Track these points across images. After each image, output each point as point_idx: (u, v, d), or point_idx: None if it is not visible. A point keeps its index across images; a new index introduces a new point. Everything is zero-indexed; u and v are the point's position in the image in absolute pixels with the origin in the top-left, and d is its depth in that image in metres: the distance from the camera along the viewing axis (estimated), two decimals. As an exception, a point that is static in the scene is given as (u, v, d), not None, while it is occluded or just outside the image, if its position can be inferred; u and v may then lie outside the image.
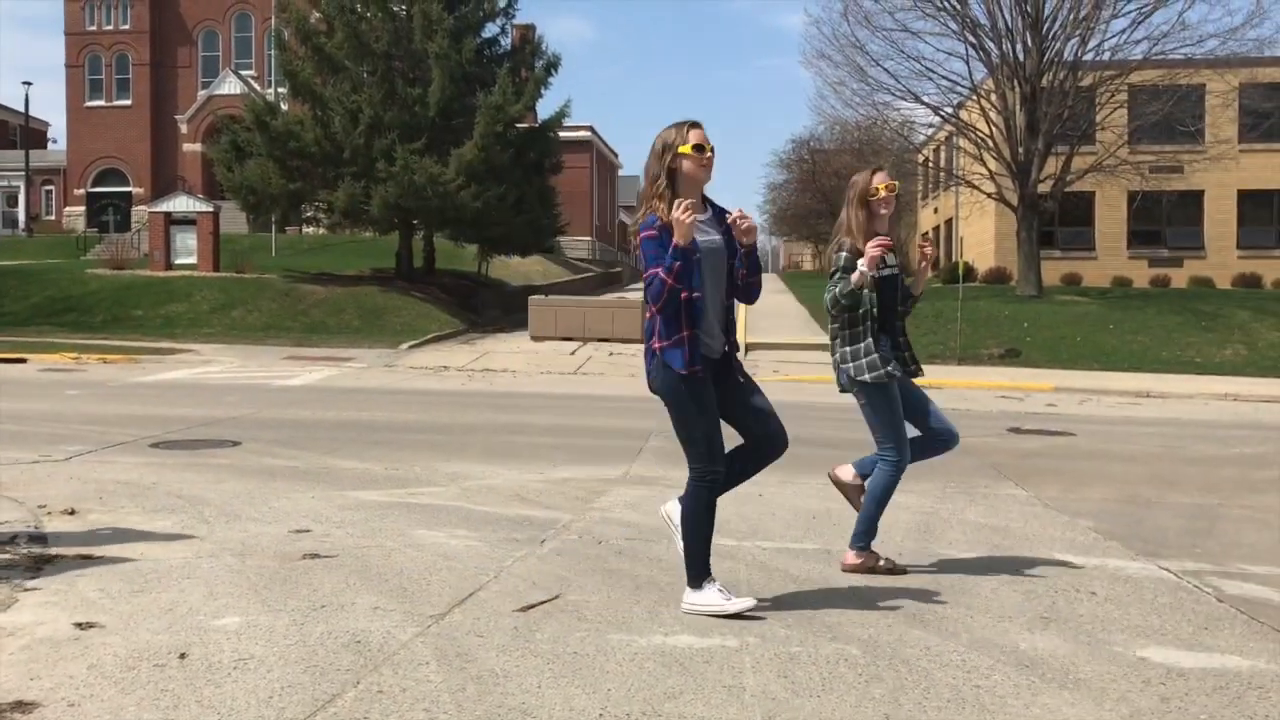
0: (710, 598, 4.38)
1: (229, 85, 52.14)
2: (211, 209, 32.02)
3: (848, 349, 5.21)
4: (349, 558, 5.27)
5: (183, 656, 3.74)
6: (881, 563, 5.28)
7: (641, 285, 4.51)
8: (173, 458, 8.50)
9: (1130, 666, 3.87)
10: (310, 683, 3.51)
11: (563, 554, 5.48)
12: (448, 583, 4.81)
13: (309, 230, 42.21)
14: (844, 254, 5.16)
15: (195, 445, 9.22)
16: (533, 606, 4.42)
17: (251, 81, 51.00)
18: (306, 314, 26.02)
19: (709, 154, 4.32)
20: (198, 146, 52.62)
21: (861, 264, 4.96)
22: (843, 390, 5.34)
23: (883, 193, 5.25)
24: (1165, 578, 5.34)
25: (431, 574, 4.97)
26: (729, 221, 4.32)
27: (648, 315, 4.38)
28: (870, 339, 5.13)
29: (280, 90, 35.83)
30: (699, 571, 4.43)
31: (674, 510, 4.58)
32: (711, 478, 4.41)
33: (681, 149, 4.27)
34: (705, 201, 4.44)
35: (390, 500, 6.89)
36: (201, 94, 54.27)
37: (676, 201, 4.14)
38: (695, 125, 4.34)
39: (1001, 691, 3.59)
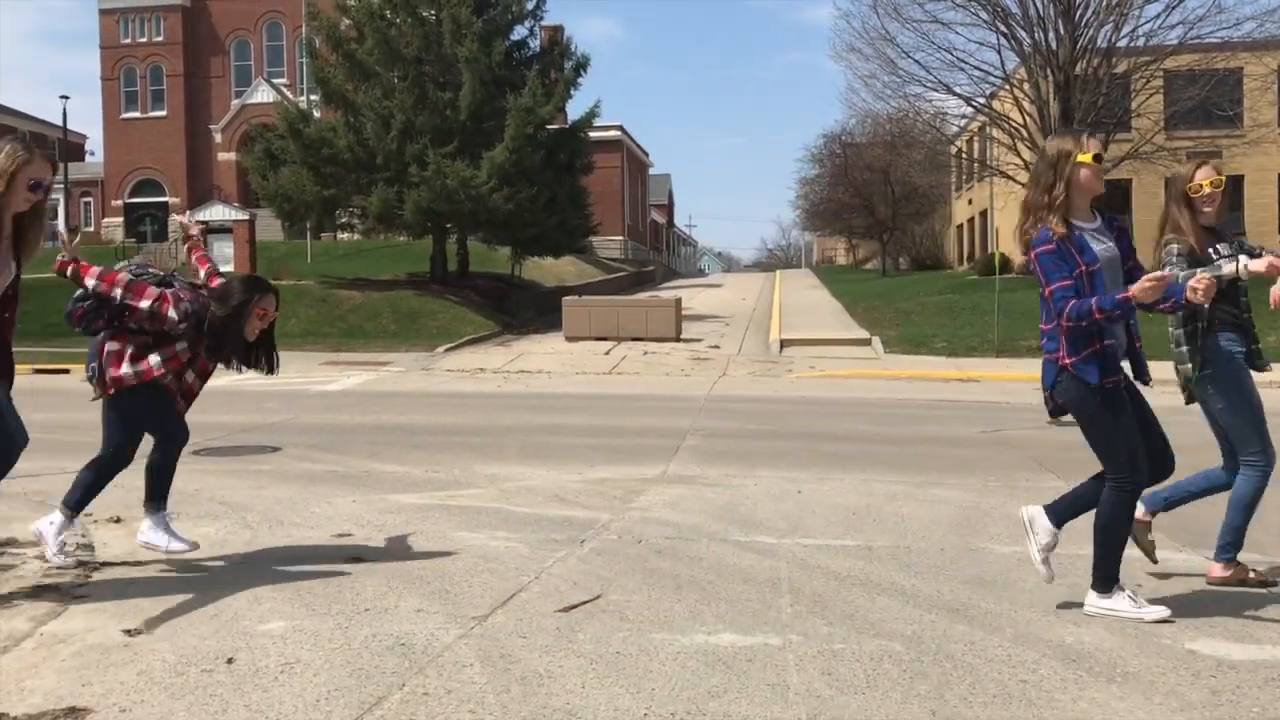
0: (1120, 604, 4.36)
1: (262, 94, 52.65)
2: (247, 217, 32.34)
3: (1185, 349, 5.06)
4: (391, 561, 5.30)
5: (230, 661, 3.78)
6: (1251, 575, 5.00)
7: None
8: (215, 464, 8.59)
9: (1179, 659, 3.82)
10: (356, 686, 3.54)
11: (603, 554, 5.49)
12: (489, 584, 4.83)
13: (344, 236, 42.54)
14: (1175, 255, 4.92)
15: (236, 451, 9.31)
16: (574, 607, 4.43)
17: (284, 89, 51.42)
18: (343, 319, 26.21)
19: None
20: (232, 155, 53.19)
21: (1192, 293, 4.29)
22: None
23: (1206, 189, 4.89)
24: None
25: (473, 576, 4.99)
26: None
27: (1045, 327, 4.37)
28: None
29: (312, 97, 36.12)
30: (1110, 576, 4.41)
31: (1036, 515, 4.56)
32: (1132, 488, 4.40)
33: (1081, 157, 4.23)
34: (1092, 209, 4.39)
35: (430, 503, 6.93)
36: (235, 103, 54.84)
37: (1195, 280, 4.08)
38: (1092, 134, 4.32)
39: (1048, 686, 3.56)
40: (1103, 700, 3.45)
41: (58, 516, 5.16)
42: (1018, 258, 35.87)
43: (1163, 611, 4.29)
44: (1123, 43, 28.38)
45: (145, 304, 4.86)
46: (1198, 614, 4.44)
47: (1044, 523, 4.54)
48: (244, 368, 5.23)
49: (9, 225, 4.39)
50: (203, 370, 5.22)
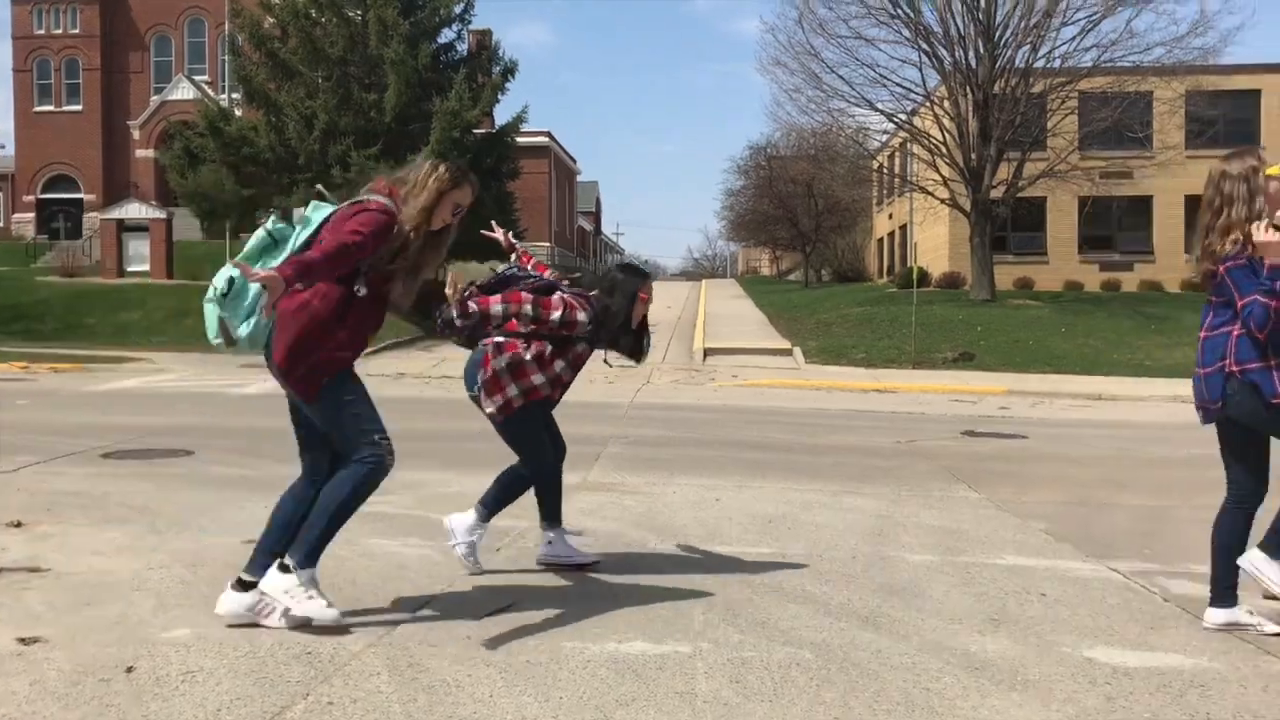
0: (1238, 615, 4.43)
1: (182, 90, 51.60)
2: (164, 216, 31.65)
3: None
4: (302, 568, 5.22)
5: (129, 670, 3.69)
6: None
7: None
8: (124, 468, 8.39)
9: (1077, 667, 3.92)
10: (259, 695, 3.48)
11: (518, 562, 5.47)
12: (400, 592, 4.79)
13: (264, 237, 41.84)
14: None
15: (148, 455, 9.11)
16: (487, 616, 4.41)
17: (205, 87, 50.48)
18: (261, 321, 25.77)
19: None
20: (150, 153, 52.02)
21: None
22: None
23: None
24: (1114, 579, 5.42)
25: (384, 584, 4.94)
26: None
27: (1204, 335, 4.41)
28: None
29: (234, 96, 35.53)
30: (1230, 586, 4.48)
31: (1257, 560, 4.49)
32: (1257, 503, 4.51)
33: (1270, 171, 4.24)
34: None
35: (344, 509, 6.83)
36: (154, 99, 53.66)
37: (1257, 225, 4.09)
38: (1262, 148, 4.36)
39: (951, 694, 3.63)
40: (1003, 708, 3.52)
41: (471, 515, 5.15)
42: (937, 270, 36.56)
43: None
44: (1040, 64, 29.10)
45: (556, 315, 4.74)
46: (1097, 622, 4.56)
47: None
48: (628, 356, 5.20)
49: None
50: (576, 361, 5.09)
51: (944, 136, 29.62)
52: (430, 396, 15.52)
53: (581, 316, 4.76)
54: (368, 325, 4.35)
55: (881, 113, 31.08)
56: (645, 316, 5.14)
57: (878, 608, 4.69)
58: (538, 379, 4.87)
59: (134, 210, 31.91)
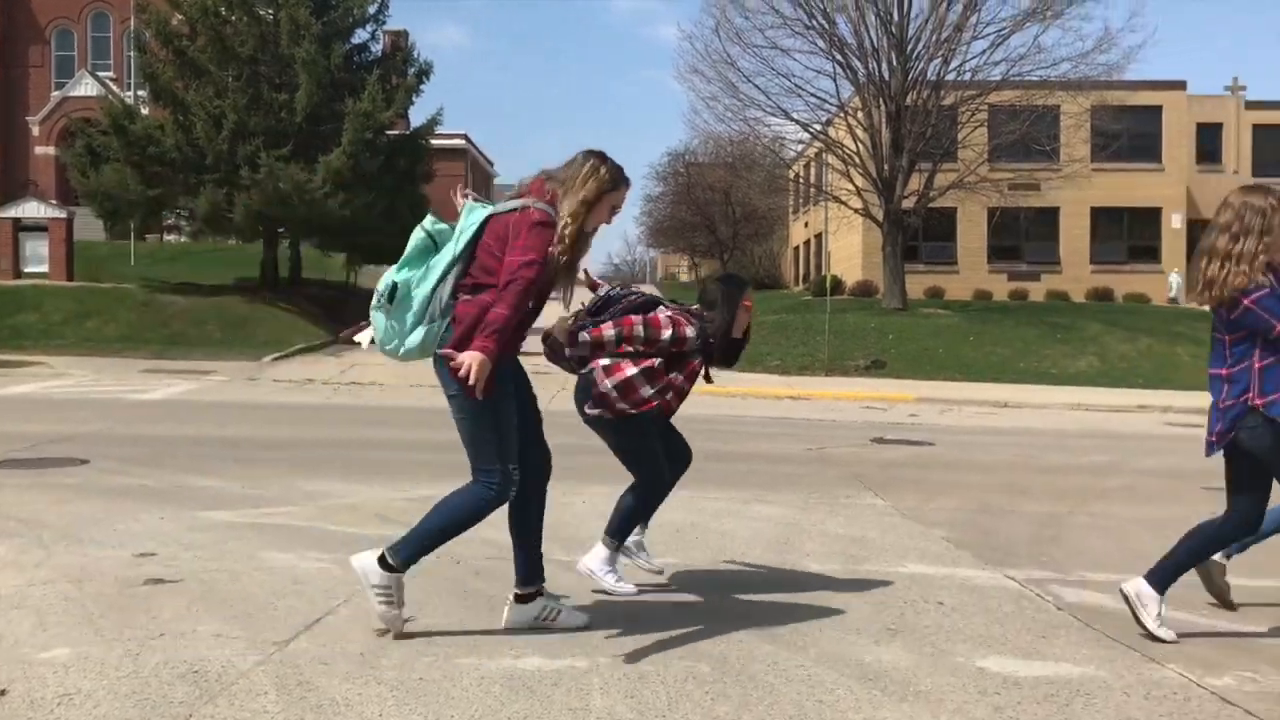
0: (1154, 608, 4.55)
1: (85, 87, 50.13)
2: (64, 215, 30.71)
3: None
4: (194, 582, 5.09)
5: (2, 694, 3.55)
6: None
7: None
8: (14, 478, 8.09)
9: (969, 677, 3.97)
10: (139, 717, 3.37)
11: (419, 575, 5.34)
12: (295, 608, 4.68)
13: (170, 238, 40.91)
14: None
15: (40, 464, 8.80)
16: (383, 633, 4.32)
17: (110, 84, 49.12)
18: (166, 325, 25.15)
19: None
20: (51, 150, 50.44)
21: None
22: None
23: None
24: (1010, 587, 5.52)
25: (279, 599, 4.83)
26: None
27: (1226, 372, 4.50)
28: None
29: (140, 93, 34.66)
30: None
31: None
32: (1248, 533, 4.66)
33: None
34: None
35: (243, 520, 6.68)
36: (55, 95, 52.01)
37: None
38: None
39: (843, 706, 3.65)
40: (894, 719, 3.55)
41: (602, 550, 4.98)
42: (850, 279, 37.01)
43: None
44: (951, 76, 29.65)
45: (666, 334, 4.69)
46: (991, 632, 4.63)
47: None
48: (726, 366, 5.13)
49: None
50: (690, 374, 4.99)
51: (857, 147, 30.03)
52: (338, 404, 15.28)
53: (690, 332, 4.77)
54: (527, 325, 4.32)
55: (797, 122, 31.43)
56: (749, 324, 5.15)
57: (778, 618, 4.70)
58: (647, 391, 4.81)
59: (32, 209, 30.87)
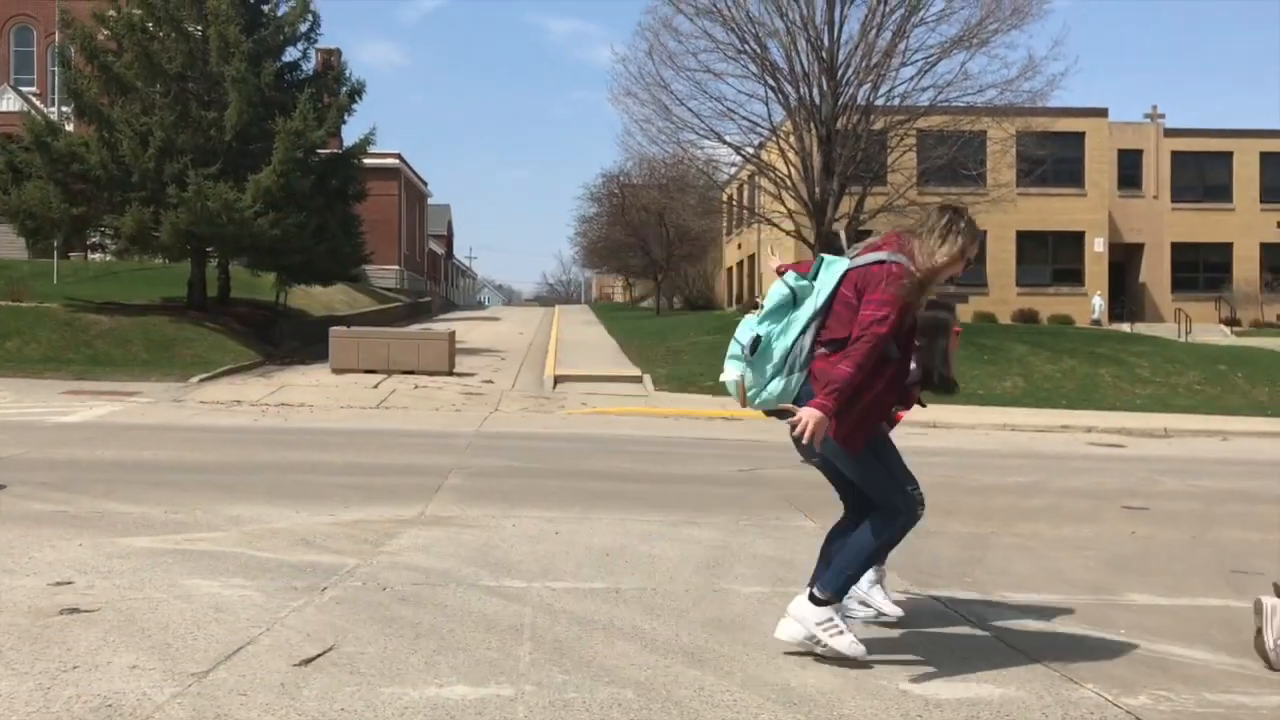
0: None
1: (7, 102, 49.06)
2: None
3: None
4: (111, 612, 4.97)
5: (-95, 731, 3.44)
6: None
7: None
8: (-77, 505, 7.85)
9: (892, 700, 4.01)
10: (49, 755, 3.28)
11: (343, 602, 5.31)
12: (215, 637, 4.59)
13: (95, 257, 40.04)
14: None
15: (-48, 490, 8.55)
16: (306, 662, 4.26)
17: (33, 98, 48.13)
18: (90, 345, 24.60)
19: None
20: (-29, 165, 49.22)
21: None
22: None
23: None
24: (934, 608, 5.59)
25: (199, 627, 4.73)
26: None
27: None
28: None
29: (64, 109, 33.96)
30: None
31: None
32: None
33: None
34: None
35: (165, 547, 6.55)
36: (-24, 109, 50.86)
37: None
38: None
39: (769, 730, 3.66)
40: (819, 742, 3.58)
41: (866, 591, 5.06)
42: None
43: None
44: (880, 101, 30.07)
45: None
46: (915, 654, 4.68)
47: None
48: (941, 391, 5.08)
49: None
50: (909, 400, 4.97)
51: (789, 170, 30.34)
52: (266, 426, 15.04)
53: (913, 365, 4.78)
54: (902, 376, 4.44)
55: (730, 145, 31.64)
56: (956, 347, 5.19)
57: (705, 643, 4.71)
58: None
59: (-49, 226, 30.10)
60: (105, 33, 28.32)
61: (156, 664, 4.18)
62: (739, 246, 48.59)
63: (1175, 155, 43.82)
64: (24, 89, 50.21)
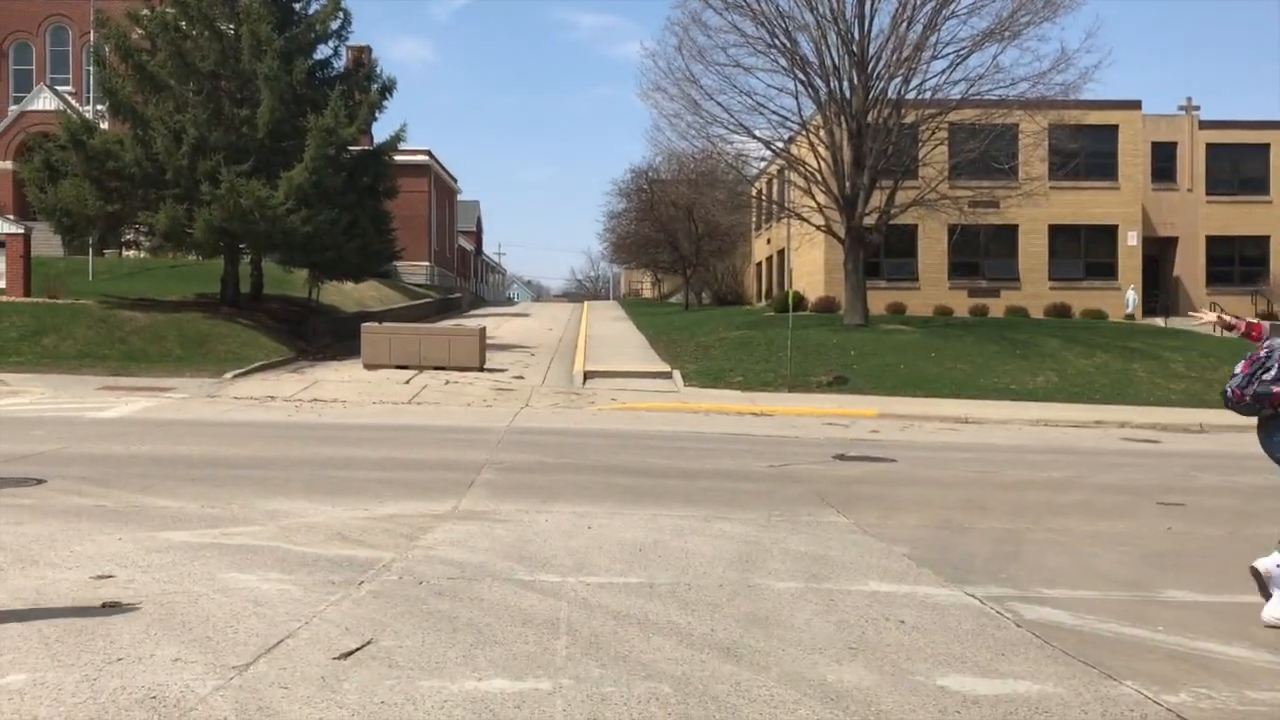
0: None
1: (43, 101, 49.59)
2: (22, 230, 30.32)
3: None
4: (153, 605, 5.03)
5: (-44, 722, 3.50)
6: None
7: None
8: (-34, 499, 7.97)
9: (929, 696, 4.00)
10: (97, 745, 3.33)
11: (380, 596, 5.35)
12: (256, 630, 4.64)
13: (129, 254, 40.46)
14: None
15: (-7, 485, 8.67)
16: (345, 655, 4.30)
17: (69, 98, 48.63)
18: (125, 341, 24.85)
19: None
20: (8, 165, 49.79)
21: None
22: None
23: None
24: (970, 604, 5.56)
25: (239, 621, 4.79)
26: None
27: None
28: None
29: (99, 108, 34.30)
30: None
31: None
32: None
33: None
34: None
35: (203, 541, 6.62)
36: (13, 109, 51.41)
37: None
38: None
39: (807, 726, 3.66)
40: (857, 738, 3.58)
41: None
42: (813, 295, 37.25)
43: None
44: (911, 95, 29.91)
45: None
46: (951, 649, 4.66)
47: None
48: None
49: None
50: None
51: (819, 164, 30.24)
52: (299, 421, 15.16)
53: None
54: None
55: (759, 140, 31.58)
56: None
57: (740, 638, 4.72)
58: None
59: (-11, 224, 30.49)
60: (139, 32, 28.58)
61: (198, 657, 4.23)
62: (768, 241, 48.45)
63: (1210, 147, 43.30)
64: (60, 88, 50.76)
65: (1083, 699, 4.02)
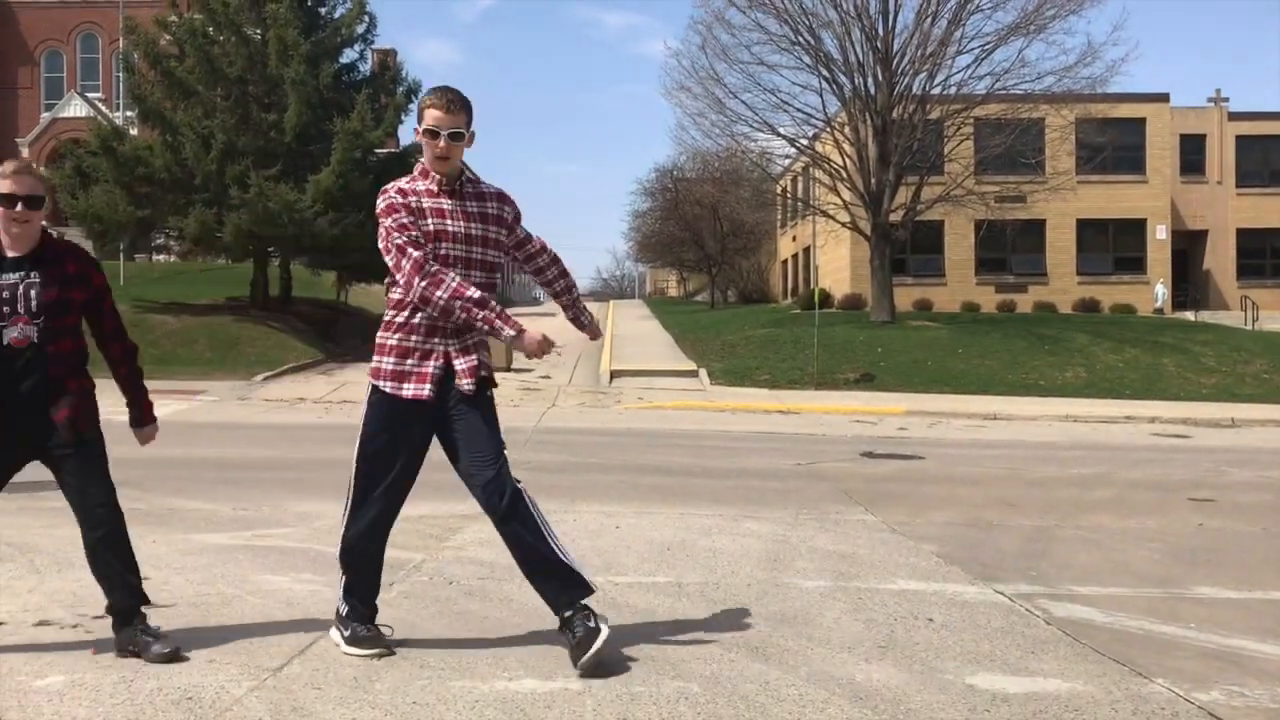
0: None
1: (74, 108, 50.19)
2: (55, 236, 30.70)
3: None
4: (187, 607, 5.10)
5: (-2, 722, 3.56)
6: None
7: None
8: (5, 500, 8.02)
9: (959, 694, 4.00)
10: (135, 745, 3.39)
11: (411, 597, 5.40)
12: (288, 631, 4.69)
13: (160, 258, 40.88)
14: None
15: (31, 487, 8.68)
16: (377, 655, 4.34)
17: (99, 104, 49.18)
18: (156, 345, 25.11)
19: None
20: (41, 171, 50.41)
21: None
22: None
23: None
24: (999, 602, 5.55)
25: (272, 622, 4.84)
26: None
27: None
28: None
29: (129, 114, 34.67)
30: None
31: None
32: None
33: None
34: None
35: (235, 543, 6.70)
36: (45, 116, 52.08)
37: None
38: None
39: (836, 724, 3.68)
40: (886, 736, 3.58)
41: None
42: (839, 292, 37.16)
43: None
44: (936, 90, 29.82)
45: None
46: (980, 648, 4.66)
47: None
48: None
49: None
50: None
51: (844, 161, 30.17)
52: (330, 423, 15.28)
53: None
54: None
55: (783, 137, 31.56)
56: None
57: (769, 637, 4.73)
58: None
59: (22, 231, 30.88)
60: (167, 38, 28.90)
61: (232, 658, 4.28)
62: (793, 239, 48.37)
63: (1240, 139, 42.90)
64: (90, 95, 51.33)
65: (1113, 697, 4.01)
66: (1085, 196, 37.21)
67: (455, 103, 4.36)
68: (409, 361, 4.35)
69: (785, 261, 52.23)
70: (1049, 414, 18.43)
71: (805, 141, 32.17)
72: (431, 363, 4.33)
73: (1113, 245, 39.93)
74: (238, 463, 10.73)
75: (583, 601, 4.27)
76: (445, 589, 5.58)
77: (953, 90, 29.98)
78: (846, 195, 30.45)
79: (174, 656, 4.18)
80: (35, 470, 4.80)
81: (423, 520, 7.57)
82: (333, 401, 18.46)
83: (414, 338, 4.33)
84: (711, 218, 49.29)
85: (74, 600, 5.20)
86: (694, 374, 24.00)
